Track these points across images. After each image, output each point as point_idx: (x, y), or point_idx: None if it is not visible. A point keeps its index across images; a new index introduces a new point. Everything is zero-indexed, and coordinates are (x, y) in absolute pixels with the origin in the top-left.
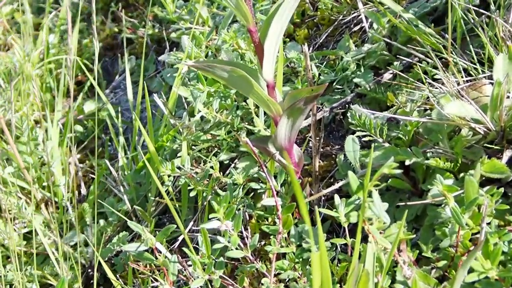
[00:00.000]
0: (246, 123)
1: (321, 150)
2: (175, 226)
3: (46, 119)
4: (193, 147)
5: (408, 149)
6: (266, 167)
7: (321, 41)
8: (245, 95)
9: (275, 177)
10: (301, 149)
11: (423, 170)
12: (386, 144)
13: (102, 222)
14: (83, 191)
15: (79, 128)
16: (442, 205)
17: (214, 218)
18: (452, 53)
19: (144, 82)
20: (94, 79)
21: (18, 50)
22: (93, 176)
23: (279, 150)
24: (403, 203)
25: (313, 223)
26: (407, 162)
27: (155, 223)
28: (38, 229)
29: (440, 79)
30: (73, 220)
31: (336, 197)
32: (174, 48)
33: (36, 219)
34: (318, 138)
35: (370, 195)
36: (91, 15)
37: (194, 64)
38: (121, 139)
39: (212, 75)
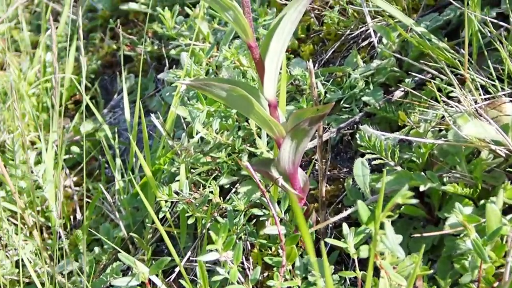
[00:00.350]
0: (248, 145)
1: (328, 173)
2: (169, 258)
3: (41, 140)
4: (192, 170)
5: (423, 173)
6: (269, 192)
7: (327, 57)
8: (246, 115)
9: (279, 203)
10: (306, 172)
11: (439, 196)
12: (398, 168)
13: (97, 249)
14: (79, 216)
15: (75, 149)
16: (461, 235)
17: (212, 249)
18: (469, 69)
19: (141, 102)
20: (93, 98)
21: (14, 69)
22: (90, 200)
23: (283, 174)
24: (418, 234)
25: (320, 254)
26: (422, 188)
27: (153, 251)
28: (25, 259)
29: (456, 97)
30: (66, 248)
31: (345, 226)
32: (174, 66)
33: (26, 247)
34: (324, 160)
35: (382, 226)
36: (91, 32)
37: (191, 82)
38: (118, 161)
39: (210, 94)
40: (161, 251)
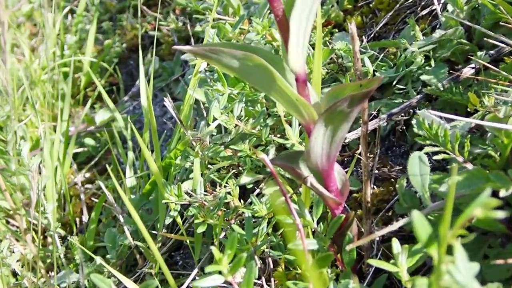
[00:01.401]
0: (278, 135)
1: (376, 172)
2: (156, 283)
3: (43, 132)
4: (210, 166)
5: (503, 172)
6: (298, 194)
7: (378, 29)
8: (265, 93)
9: (311, 209)
10: (347, 171)
11: None
12: (469, 166)
13: (99, 259)
14: (85, 218)
15: (89, 141)
16: None
17: (213, 272)
18: None
19: (167, 87)
20: (115, 84)
21: (25, 52)
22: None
23: (314, 171)
24: (499, 260)
25: (362, 277)
26: (503, 193)
27: (166, 262)
28: (17, 269)
29: None
30: (62, 257)
31: (395, 242)
32: None
33: (13, 255)
34: (371, 156)
35: (449, 248)
36: (121, 13)
37: (192, 48)
38: (130, 155)
39: (218, 64)
40: (175, 263)
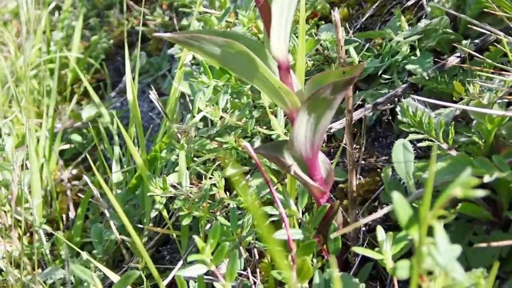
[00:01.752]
0: (265, 127)
1: (363, 162)
2: (138, 272)
3: (28, 129)
4: (195, 158)
5: (487, 158)
6: (282, 184)
7: (364, 20)
8: (247, 81)
9: (297, 199)
10: (332, 161)
11: (509, 191)
12: (453, 152)
13: (85, 255)
14: (72, 214)
15: (76, 137)
16: None
17: (196, 260)
18: None
19: (154, 82)
20: (102, 80)
21: (11, 50)
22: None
23: (298, 160)
24: (482, 243)
25: (348, 267)
26: (487, 179)
27: (152, 257)
28: (2, 266)
29: None
30: (47, 253)
31: (380, 230)
32: None
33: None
34: (358, 146)
35: (431, 231)
36: (109, 9)
37: (173, 35)
38: (116, 150)
39: (199, 51)
40: (163, 257)
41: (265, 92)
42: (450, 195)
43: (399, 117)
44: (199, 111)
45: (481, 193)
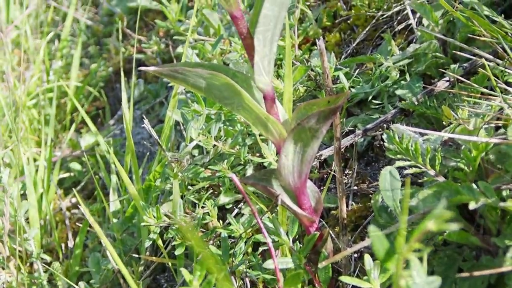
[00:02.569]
0: (258, 154)
1: (355, 188)
2: None
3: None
4: (189, 187)
5: (474, 185)
6: (272, 213)
7: (355, 45)
8: (234, 111)
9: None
10: (322, 189)
11: (497, 217)
12: (441, 178)
13: (83, 285)
14: (70, 243)
15: (76, 166)
16: None
17: None
18: None
19: (152, 110)
20: (101, 108)
21: (10, 79)
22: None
23: (286, 189)
24: (467, 273)
25: None
26: (472, 206)
27: (150, 285)
28: None
29: None
30: (45, 284)
31: (367, 258)
32: None
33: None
34: (350, 172)
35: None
36: (108, 37)
37: (157, 69)
38: (114, 178)
39: (185, 84)
40: (159, 286)
41: (251, 122)
42: (424, 229)
43: (386, 144)
44: (191, 140)
45: (454, 226)
